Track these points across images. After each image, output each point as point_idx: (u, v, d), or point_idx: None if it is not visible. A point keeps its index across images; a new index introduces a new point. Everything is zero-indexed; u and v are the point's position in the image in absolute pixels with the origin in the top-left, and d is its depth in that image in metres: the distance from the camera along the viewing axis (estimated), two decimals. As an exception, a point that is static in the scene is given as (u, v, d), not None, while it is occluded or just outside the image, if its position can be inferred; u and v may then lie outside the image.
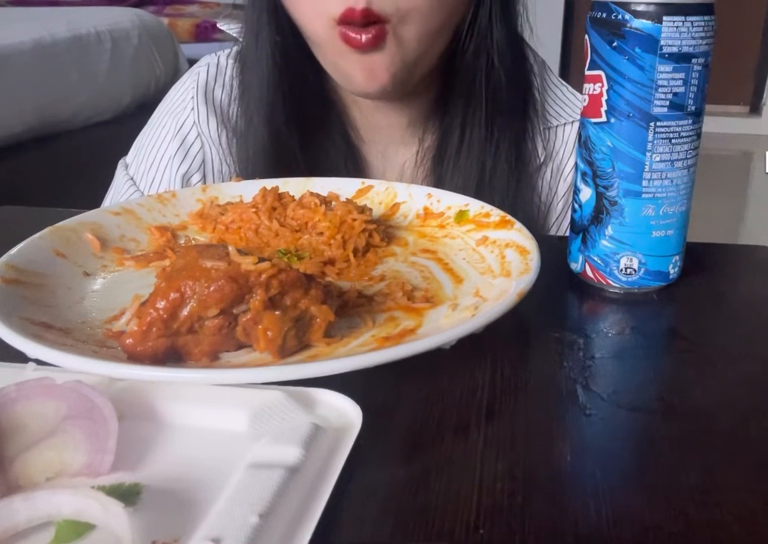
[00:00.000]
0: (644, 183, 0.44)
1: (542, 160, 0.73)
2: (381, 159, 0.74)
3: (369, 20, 0.56)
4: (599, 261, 0.47)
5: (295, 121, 0.67)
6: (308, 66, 0.66)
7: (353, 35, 0.57)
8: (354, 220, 0.50)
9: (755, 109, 3.76)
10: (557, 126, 0.74)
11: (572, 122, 0.73)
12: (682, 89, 0.42)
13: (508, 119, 0.69)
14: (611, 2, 0.42)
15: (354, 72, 0.61)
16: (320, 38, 0.61)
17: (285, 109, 0.67)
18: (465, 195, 0.55)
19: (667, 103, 0.43)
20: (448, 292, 0.44)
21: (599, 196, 0.46)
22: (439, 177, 0.69)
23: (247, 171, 0.68)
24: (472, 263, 0.48)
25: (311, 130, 0.68)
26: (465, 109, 0.67)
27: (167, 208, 0.55)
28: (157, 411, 0.32)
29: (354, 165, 0.71)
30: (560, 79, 0.76)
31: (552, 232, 0.75)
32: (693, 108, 0.43)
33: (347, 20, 0.56)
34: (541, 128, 0.73)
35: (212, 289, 0.35)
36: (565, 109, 0.74)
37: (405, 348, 0.34)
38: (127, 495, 0.27)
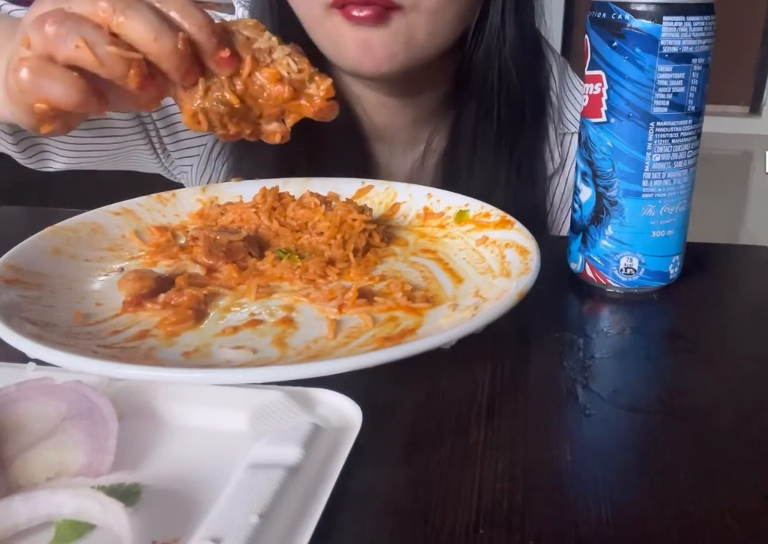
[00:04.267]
0: (644, 183, 0.44)
1: (556, 167, 0.70)
2: (388, 159, 0.72)
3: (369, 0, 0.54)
4: (599, 261, 0.47)
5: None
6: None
7: (352, 11, 0.54)
8: (354, 220, 0.50)
9: (755, 109, 3.76)
10: (573, 133, 0.70)
11: None
12: (682, 89, 0.42)
13: (522, 123, 0.65)
14: (611, 2, 0.42)
15: (347, 43, 0.57)
16: (315, 14, 0.58)
17: None
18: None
19: (667, 103, 0.43)
20: (448, 292, 0.44)
21: (599, 196, 0.46)
22: (451, 182, 0.66)
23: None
24: (472, 263, 0.48)
25: (315, 132, 0.67)
26: (475, 111, 0.65)
27: (167, 208, 0.55)
28: (157, 411, 0.32)
29: (358, 168, 0.67)
30: (581, 81, 0.71)
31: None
32: (693, 108, 0.43)
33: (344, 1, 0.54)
34: (557, 134, 0.69)
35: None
36: None
37: (405, 348, 0.34)
38: (127, 495, 0.27)
